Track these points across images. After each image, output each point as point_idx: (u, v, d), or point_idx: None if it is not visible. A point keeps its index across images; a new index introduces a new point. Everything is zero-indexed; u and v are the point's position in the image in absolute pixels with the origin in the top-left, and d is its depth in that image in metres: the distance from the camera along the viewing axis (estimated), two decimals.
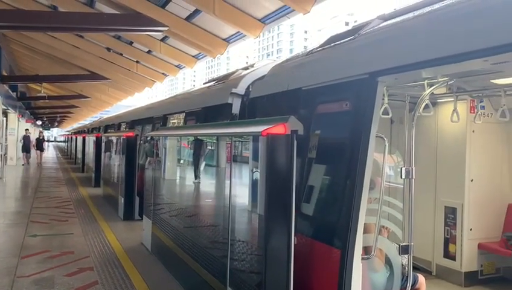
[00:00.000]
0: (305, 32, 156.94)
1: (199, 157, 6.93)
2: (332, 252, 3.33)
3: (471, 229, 6.04)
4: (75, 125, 57.19)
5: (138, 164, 10.85)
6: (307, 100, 4.00)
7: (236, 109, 5.32)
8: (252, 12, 10.23)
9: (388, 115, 4.47)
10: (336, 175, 3.53)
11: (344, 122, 3.49)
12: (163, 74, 18.95)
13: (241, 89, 5.40)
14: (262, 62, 6.72)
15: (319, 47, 4.53)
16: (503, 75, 4.09)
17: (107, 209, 12.24)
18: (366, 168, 3.12)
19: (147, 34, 13.63)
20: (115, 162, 13.07)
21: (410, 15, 3.49)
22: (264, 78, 5.21)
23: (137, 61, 18.35)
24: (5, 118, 23.10)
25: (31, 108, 34.80)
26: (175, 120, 8.67)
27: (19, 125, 28.78)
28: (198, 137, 6.84)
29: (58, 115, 47.37)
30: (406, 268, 3.82)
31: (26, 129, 28.87)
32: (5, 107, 21.51)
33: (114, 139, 13.78)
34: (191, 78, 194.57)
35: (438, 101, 5.97)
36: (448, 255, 6.22)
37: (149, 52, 16.50)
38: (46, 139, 43.84)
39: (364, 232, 3.20)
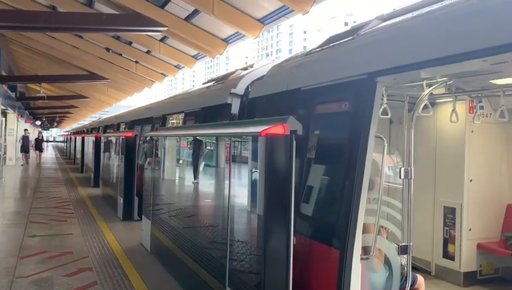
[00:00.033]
0: (304, 32, 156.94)
1: (198, 157, 6.92)
2: (332, 252, 3.33)
3: (470, 230, 6.04)
4: (74, 125, 57.14)
5: (137, 164, 10.84)
6: (306, 100, 4.00)
7: (235, 109, 5.32)
8: (251, 13, 10.22)
9: (387, 115, 4.48)
10: (335, 175, 3.53)
11: (343, 123, 3.49)
12: (162, 74, 18.92)
13: (240, 89, 5.39)
14: (261, 62, 6.69)
15: (318, 47, 4.53)
16: (502, 75, 4.10)
17: (106, 209, 12.23)
18: (365, 168, 3.12)
19: (146, 34, 13.61)
20: (114, 163, 13.06)
21: (409, 15, 3.49)
22: (263, 78, 5.21)
23: (136, 62, 18.31)
24: (4, 118, 23.11)
25: (30, 108, 34.70)
26: (174, 120, 8.67)
27: (18, 126, 28.79)
28: (198, 137, 6.84)
29: (57, 115, 47.27)
30: (405, 268, 3.83)
31: (25, 129, 28.85)
32: (4, 108, 21.49)
33: (113, 139, 13.76)
34: (190, 78, 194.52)
35: (437, 101, 5.98)
36: (447, 255, 6.22)
37: (148, 52, 16.48)
38: (45, 140, 43.80)
39: (363, 233, 3.21)
